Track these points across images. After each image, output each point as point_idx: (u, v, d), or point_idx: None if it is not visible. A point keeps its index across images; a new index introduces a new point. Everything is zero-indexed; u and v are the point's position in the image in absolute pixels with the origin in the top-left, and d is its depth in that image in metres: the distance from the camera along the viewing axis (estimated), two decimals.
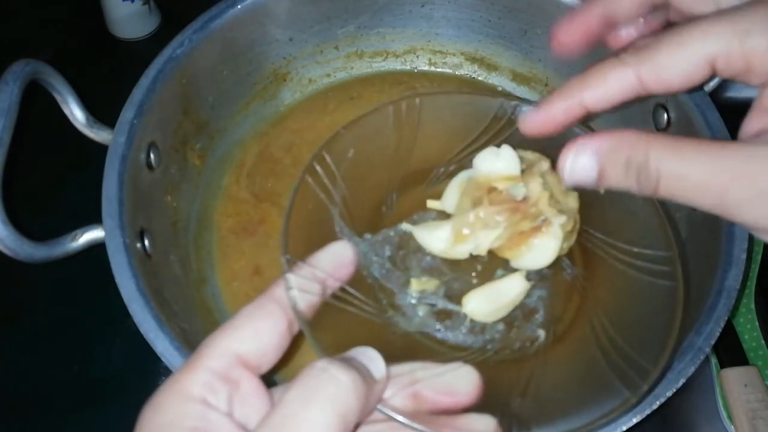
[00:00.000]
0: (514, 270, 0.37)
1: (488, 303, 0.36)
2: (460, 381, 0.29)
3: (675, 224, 0.36)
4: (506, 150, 0.37)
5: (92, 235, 0.45)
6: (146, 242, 0.47)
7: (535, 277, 0.38)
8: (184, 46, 0.53)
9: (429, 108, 0.40)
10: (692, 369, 0.39)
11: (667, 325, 0.34)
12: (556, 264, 0.37)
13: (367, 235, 0.38)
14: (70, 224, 0.45)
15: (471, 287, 0.37)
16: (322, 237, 0.35)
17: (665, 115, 0.53)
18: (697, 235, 0.48)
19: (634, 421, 0.37)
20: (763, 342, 0.55)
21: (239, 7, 0.56)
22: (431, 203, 0.39)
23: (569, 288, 0.39)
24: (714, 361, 0.55)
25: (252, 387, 0.27)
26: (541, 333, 0.37)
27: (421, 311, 0.37)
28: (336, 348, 0.28)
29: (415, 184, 0.41)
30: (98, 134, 0.50)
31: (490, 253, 0.37)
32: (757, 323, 0.56)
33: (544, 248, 0.36)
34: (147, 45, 0.75)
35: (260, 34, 0.60)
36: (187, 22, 0.55)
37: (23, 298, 0.61)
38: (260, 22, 0.59)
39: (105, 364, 0.57)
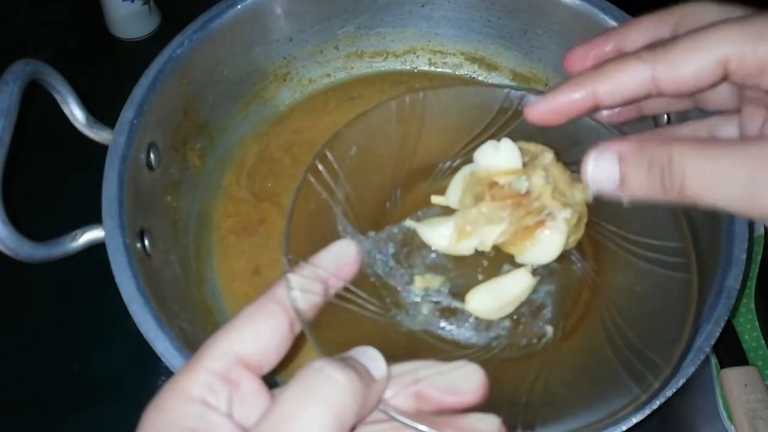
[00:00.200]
0: (521, 265, 0.37)
1: (492, 300, 0.36)
2: (465, 380, 0.28)
3: (688, 213, 0.35)
4: (506, 143, 0.36)
5: (92, 235, 0.45)
6: (146, 242, 0.47)
7: (544, 272, 0.37)
8: (184, 46, 0.53)
9: (433, 102, 0.39)
10: (692, 369, 0.39)
11: (680, 320, 0.33)
12: (564, 258, 0.37)
13: (371, 233, 0.38)
14: (70, 224, 0.46)
15: (476, 284, 0.36)
16: (325, 236, 0.34)
17: (665, 115, 0.53)
18: (697, 235, 0.48)
19: (634, 421, 0.37)
20: (763, 342, 0.55)
21: (239, 7, 0.56)
22: (435, 199, 0.39)
23: (579, 282, 0.38)
24: (714, 361, 0.55)
25: (253, 387, 0.27)
26: (549, 329, 0.36)
27: (425, 309, 0.36)
28: (338, 348, 0.28)
29: (420, 180, 0.41)
30: (98, 134, 0.50)
31: (496, 248, 0.36)
32: (757, 323, 0.56)
33: (548, 243, 0.35)
34: (147, 45, 0.75)
35: (260, 34, 0.60)
36: (187, 22, 0.55)
37: (23, 298, 0.61)
38: (260, 22, 0.59)
39: (105, 364, 0.57)
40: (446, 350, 0.35)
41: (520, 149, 0.37)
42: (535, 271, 0.37)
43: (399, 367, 0.28)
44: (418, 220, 0.38)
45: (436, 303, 0.36)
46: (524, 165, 0.36)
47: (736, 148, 0.28)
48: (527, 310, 0.37)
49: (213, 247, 0.58)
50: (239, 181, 0.61)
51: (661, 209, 0.36)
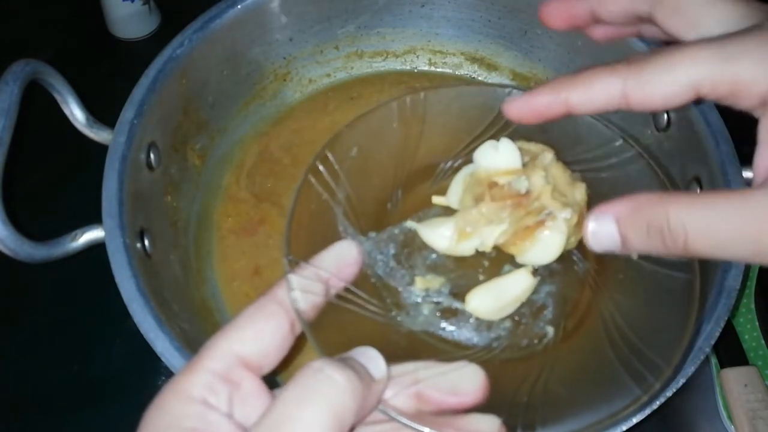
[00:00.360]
0: (522, 266, 0.37)
1: (493, 300, 0.36)
2: (465, 380, 0.28)
3: None
4: (505, 143, 0.36)
5: (92, 235, 0.45)
6: (146, 242, 0.47)
7: (544, 272, 0.37)
8: (184, 46, 0.53)
9: (434, 103, 0.39)
10: (692, 369, 0.39)
11: (682, 320, 0.33)
12: (565, 258, 0.37)
13: (372, 234, 0.38)
14: (70, 224, 0.45)
15: (477, 284, 0.36)
16: (326, 237, 0.34)
17: (665, 115, 0.53)
18: None
19: (634, 421, 0.37)
20: (763, 342, 0.55)
21: (239, 7, 0.56)
22: (436, 199, 0.39)
23: (580, 283, 0.38)
24: (714, 361, 0.55)
25: (253, 388, 0.27)
26: (550, 330, 0.36)
27: (426, 309, 0.36)
28: (338, 348, 0.28)
29: (421, 181, 0.40)
30: (98, 134, 0.50)
31: (497, 249, 0.36)
32: (757, 323, 0.56)
33: (548, 243, 0.35)
34: (147, 45, 0.75)
35: (260, 34, 0.60)
36: (187, 22, 0.55)
37: (23, 298, 0.61)
38: (260, 22, 0.59)
39: (105, 364, 0.57)
40: (447, 351, 0.35)
41: (520, 149, 0.36)
42: (535, 272, 0.37)
43: (399, 368, 0.28)
44: (419, 220, 0.38)
45: (437, 303, 0.36)
46: (524, 165, 0.36)
47: (740, 200, 0.27)
48: (528, 310, 0.37)
49: (213, 247, 0.58)
50: (239, 181, 0.61)
51: None
